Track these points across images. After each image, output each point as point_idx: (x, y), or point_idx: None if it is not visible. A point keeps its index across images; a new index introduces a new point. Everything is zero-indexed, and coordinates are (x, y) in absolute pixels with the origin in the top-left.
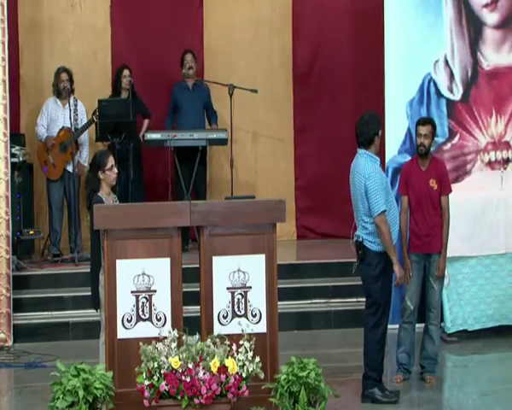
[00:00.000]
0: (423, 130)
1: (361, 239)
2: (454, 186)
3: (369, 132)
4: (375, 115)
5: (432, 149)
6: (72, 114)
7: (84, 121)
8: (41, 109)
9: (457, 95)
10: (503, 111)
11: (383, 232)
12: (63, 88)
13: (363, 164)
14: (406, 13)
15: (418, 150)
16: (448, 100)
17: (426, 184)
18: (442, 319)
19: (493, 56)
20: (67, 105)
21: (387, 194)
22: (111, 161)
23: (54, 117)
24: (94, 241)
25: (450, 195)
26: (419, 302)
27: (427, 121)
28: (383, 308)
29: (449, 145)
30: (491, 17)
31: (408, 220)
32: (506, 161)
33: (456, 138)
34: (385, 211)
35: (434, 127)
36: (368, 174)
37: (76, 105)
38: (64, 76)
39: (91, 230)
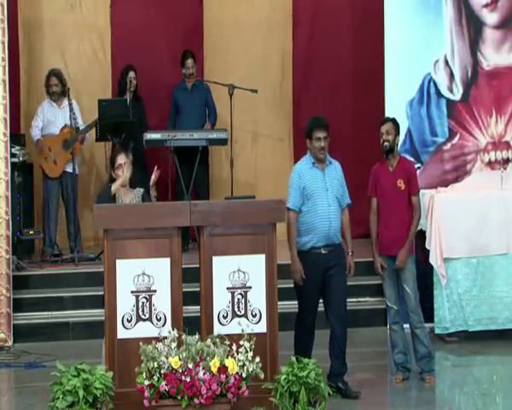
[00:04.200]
0: (384, 128)
1: None
2: (454, 186)
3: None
4: (309, 119)
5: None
6: (71, 113)
7: (80, 121)
8: (36, 112)
9: (457, 95)
10: (503, 111)
11: (287, 227)
12: (52, 93)
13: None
14: (406, 13)
15: (382, 148)
16: (448, 100)
17: (393, 184)
18: (433, 320)
19: (493, 56)
20: (63, 105)
21: (308, 197)
22: (119, 159)
23: (51, 119)
24: None
25: (450, 195)
26: (400, 301)
27: (386, 120)
28: (300, 307)
29: (449, 145)
30: (491, 17)
31: (377, 222)
32: (506, 161)
33: (456, 138)
34: (290, 209)
35: (396, 124)
36: (292, 171)
37: (71, 104)
38: (53, 80)
39: None
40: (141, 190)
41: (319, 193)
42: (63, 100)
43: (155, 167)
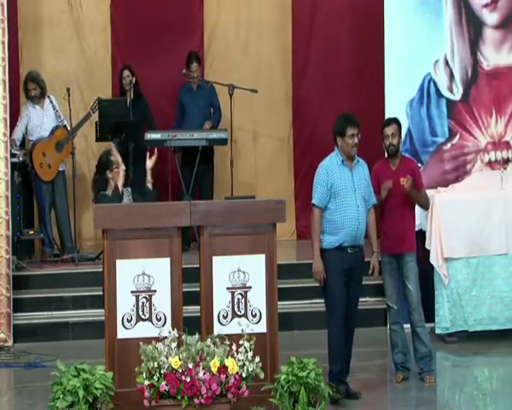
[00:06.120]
0: (389, 130)
1: None
2: (454, 186)
3: (333, 132)
4: (339, 117)
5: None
6: (54, 111)
7: (62, 116)
8: (20, 115)
9: (457, 95)
10: (503, 111)
11: (311, 223)
12: (32, 97)
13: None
14: (406, 13)
15: (388, 151)
16: (448, 100)
17: (397, 183)
18: (434, 319)
19: (493, 56)
20: (45, 106)
21: (335, 195)
22: (118, 157)
23: (37, 122)
24: None
25: (450, 195)
26: (401, 301)
27: (392, 121)
28: (327, 307)
29: (449, 145)
30: (491, 17)
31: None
32: (506, 161)
33: (456, 138)
34: (317, 206)
35: (400, 125)
36: (318, 167)
37: (52, 102)
38: (30, 85)
39: None
40: (128, 190)
41: (347, 192)
42: (43, 101)
43: (150, 153)
